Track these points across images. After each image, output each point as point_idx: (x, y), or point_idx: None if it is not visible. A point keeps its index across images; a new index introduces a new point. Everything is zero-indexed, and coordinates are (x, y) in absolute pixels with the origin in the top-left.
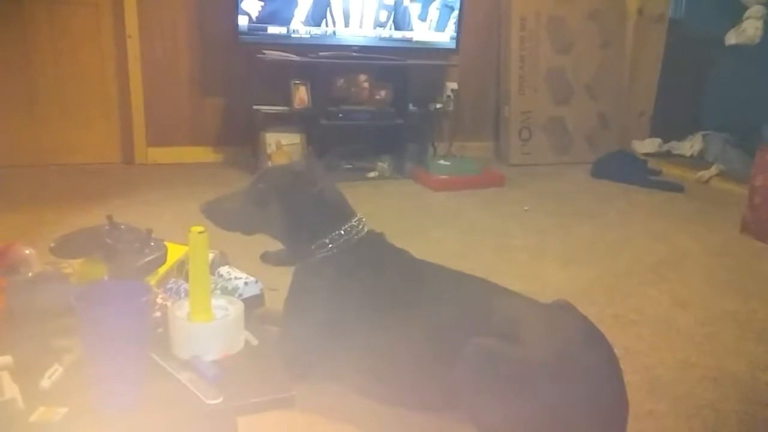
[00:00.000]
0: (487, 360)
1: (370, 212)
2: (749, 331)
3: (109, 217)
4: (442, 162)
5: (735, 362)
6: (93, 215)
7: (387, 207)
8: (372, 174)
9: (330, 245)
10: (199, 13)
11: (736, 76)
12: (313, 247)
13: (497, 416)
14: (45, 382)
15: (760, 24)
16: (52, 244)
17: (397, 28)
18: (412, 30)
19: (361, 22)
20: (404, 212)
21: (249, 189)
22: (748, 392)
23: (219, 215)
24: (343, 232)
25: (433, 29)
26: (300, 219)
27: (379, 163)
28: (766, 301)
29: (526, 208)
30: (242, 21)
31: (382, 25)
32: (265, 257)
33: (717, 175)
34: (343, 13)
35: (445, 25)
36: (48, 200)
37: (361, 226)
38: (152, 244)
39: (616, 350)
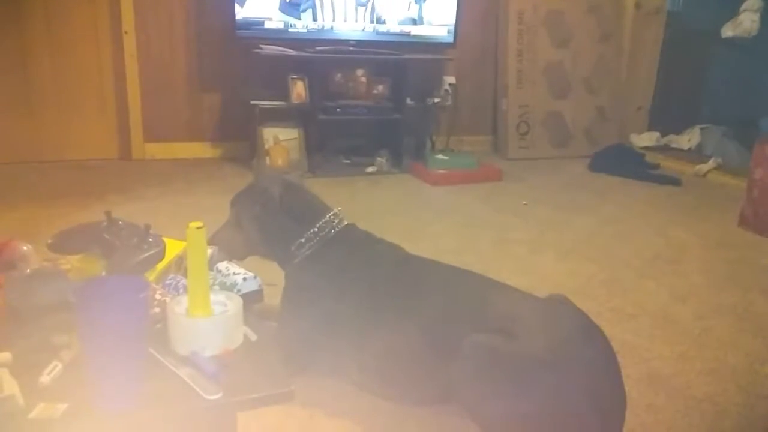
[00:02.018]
0: (486, 357)
1: (369, 208)
2: (748, 323)
3: (108, 213)
4: (440, 156)
5: (733, 355)
6: (91, 211)
7: (385, 202)
8: (370, 169)
9: (307, 244)
10: (195, 9)
11: (734, 69)
12: (292, 248)
13: (496, 412)
14: (44, 379)
15: (756, 17)
16: (50, 240)
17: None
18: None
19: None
20: (402, 207)
21: (229, 217)
22: (746, 385)
23: (223, 247)
24: (317, 229)
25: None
26: (268, 228)
27: (378, 158)
28: (764, 293)
29: (524, 202)
30: (239, 15)
31: (363, 4)
32: None
33: (715, 168)
34: None
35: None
36: (45, 196)
37: (336, 221)
38: (150, 239)
39: (614, 344)
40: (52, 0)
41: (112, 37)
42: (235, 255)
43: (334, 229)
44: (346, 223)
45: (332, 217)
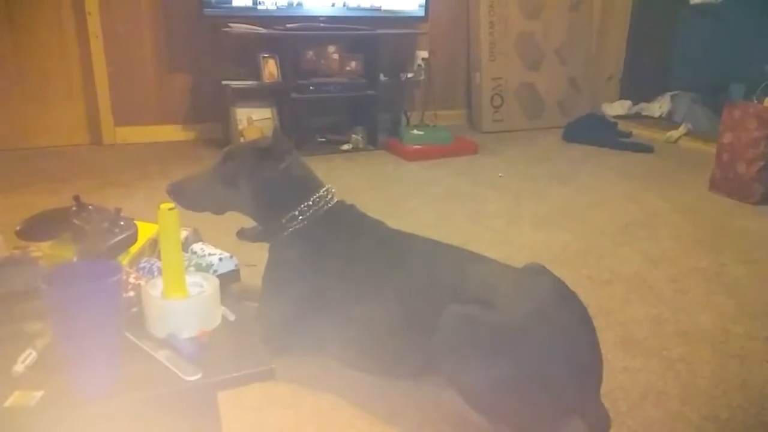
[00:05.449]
0: (465, 326)
1: (346, 185)
2: (719, 285)
3: (76, 198)
4: (415, 132)
5: (706, 316)
6: (62, 198)
7: (362, 179)
8: (346, 146)
9: (300, 217)
10: None
11: (703, 36)
12: (283, 221)
13: (477, 380)
14: (19, 367)
15: None
16: (18, 228)
17: None
18: None
19: None
20: (379, 183)
21: (216, 168)
22: (719, 344)
23: (187, 197)
24: (311, 203)
25: None
26: (269, 194)
27: (353, 136)
28: (734, 255)
29: (500, 174)
30: None
31: None
32: (242, 234)
33: (685, 134)
34: None
35: None
36: (15, 185)
37: (329, 197)
38: (122, 223)
39: (590, 309)
40: None
41: (75, 18)
42: (211, 208)
43: (327, 204)
44: (336, 200)
45: (325, 192)
